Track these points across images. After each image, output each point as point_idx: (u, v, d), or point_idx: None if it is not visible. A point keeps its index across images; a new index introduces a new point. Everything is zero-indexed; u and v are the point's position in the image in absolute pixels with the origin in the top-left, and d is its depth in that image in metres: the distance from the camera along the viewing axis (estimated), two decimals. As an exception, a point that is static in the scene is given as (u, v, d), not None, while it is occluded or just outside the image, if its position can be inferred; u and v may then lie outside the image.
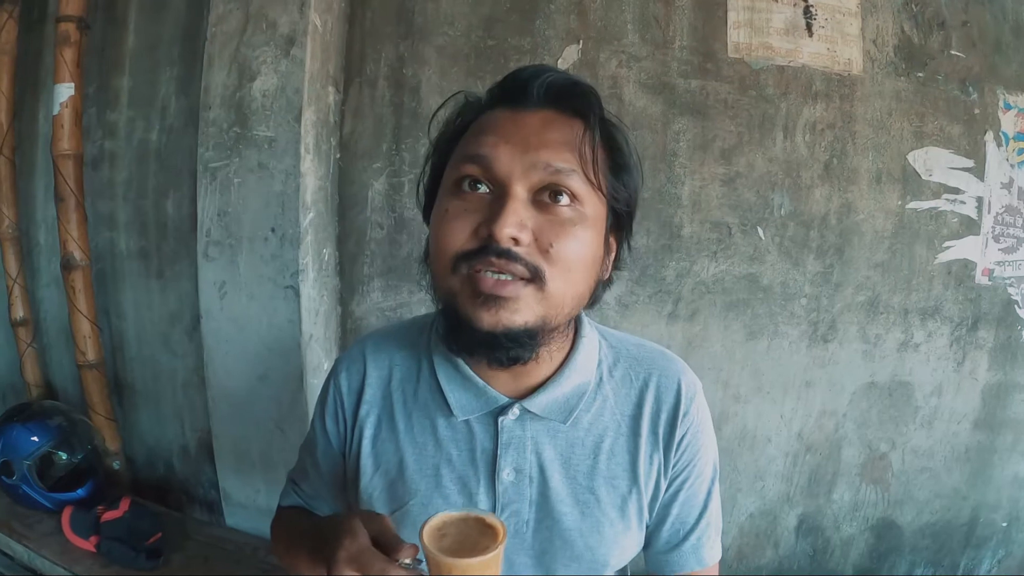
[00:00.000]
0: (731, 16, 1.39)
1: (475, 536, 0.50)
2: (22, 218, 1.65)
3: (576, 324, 0.67)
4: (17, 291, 1.63)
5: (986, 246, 1.52)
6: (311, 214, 1.31)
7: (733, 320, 1.47)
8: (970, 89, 1.48)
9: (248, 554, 1.36)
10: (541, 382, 0.64)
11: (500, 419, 0.63)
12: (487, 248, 0.53)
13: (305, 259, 1.29)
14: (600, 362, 0.68)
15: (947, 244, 1.51)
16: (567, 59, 1.38)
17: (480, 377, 0.63)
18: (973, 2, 1.47)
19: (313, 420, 0.75)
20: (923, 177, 1.47)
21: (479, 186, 0.56)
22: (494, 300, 0.54)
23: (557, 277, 0.55)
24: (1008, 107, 1.50)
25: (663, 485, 0.67)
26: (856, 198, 1.46)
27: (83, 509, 1.34)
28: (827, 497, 1.59)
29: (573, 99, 0.58)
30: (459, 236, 0.55)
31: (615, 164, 0.60)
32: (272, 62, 1.27)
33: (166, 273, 1.54)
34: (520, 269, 0.53)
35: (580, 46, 1.38)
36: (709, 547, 0.69)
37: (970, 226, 1.51)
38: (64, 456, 1.41)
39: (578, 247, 0.56)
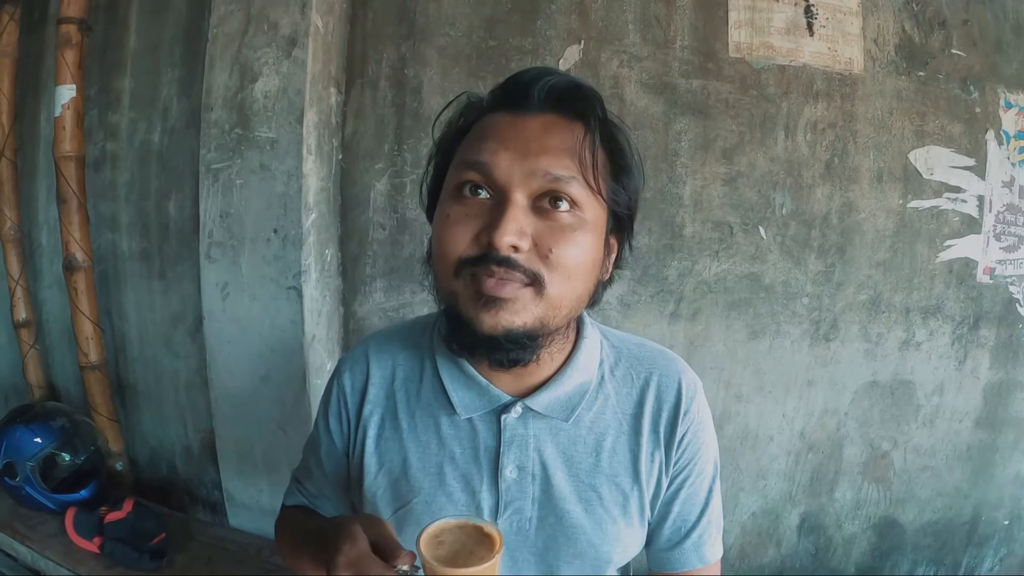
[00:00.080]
0: (732, 16, 1.39)
1: (472, 545, 0.50)
2: (24, 220, 1.65)
3: (578, 324, 0.67)
4: (19, 293, 1.63)
5: (987, 245, 1.53)
6: (313, 215, 1.31)
7: (735, 319, 1.47)
8: (971, 88, 1.48)
9: (252, 554, 1.36)
10: (543, 381, 0.64)
11: (503, 417, 0.64)
12: (487, 256, 0.54)
13: (307, 260, 1.30)
14: (602, 361, 0.68)
15: (948, 243, 1.51)
16: (568, 59, 1.38)
17: (483, 376, 0.64)
18: (974, 1, 1.47)
19: (317, 420, 0.75)
20: (924, 176, 1.47)
21: (480, 191, 0.56)
22: (494, 302, 0.54)
23: (556, 282, 0.55)
24: (1009, 106, 1.50)
25: (664, 483, 0.67)
26: (857, 197, 1.46)
27: (86, 510, 1.34)
28: (829, 496, 1.59)
29: (574, 102, 0.58)
30: (460, 242, 0.56)
31: (616, 167, 0.60)
32: (274, 63, 1.27)
33: (168, 274, 1.55)
34: (520, 277, 0.54)
35: (581, 46, 1.38)
36: (710, 545, 0.70)
37: (971, 225, 1.51)
38: (67, 457, 1.41)
39: (577, 252, 0.56)
